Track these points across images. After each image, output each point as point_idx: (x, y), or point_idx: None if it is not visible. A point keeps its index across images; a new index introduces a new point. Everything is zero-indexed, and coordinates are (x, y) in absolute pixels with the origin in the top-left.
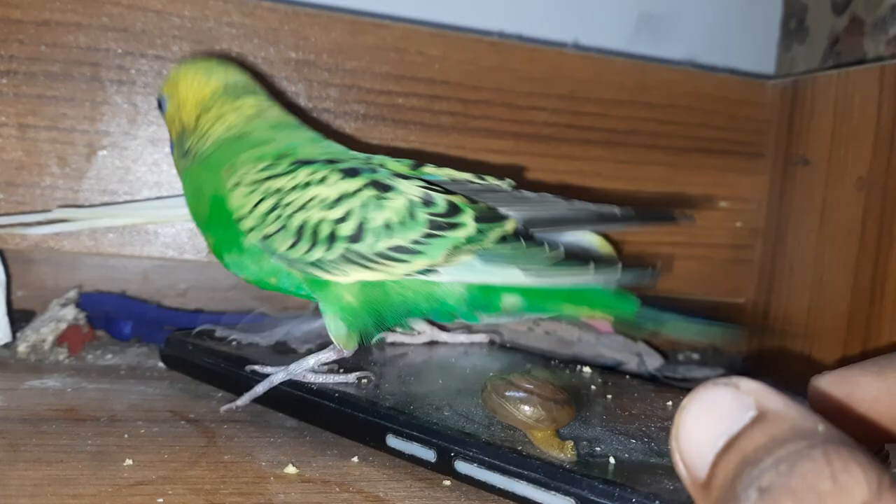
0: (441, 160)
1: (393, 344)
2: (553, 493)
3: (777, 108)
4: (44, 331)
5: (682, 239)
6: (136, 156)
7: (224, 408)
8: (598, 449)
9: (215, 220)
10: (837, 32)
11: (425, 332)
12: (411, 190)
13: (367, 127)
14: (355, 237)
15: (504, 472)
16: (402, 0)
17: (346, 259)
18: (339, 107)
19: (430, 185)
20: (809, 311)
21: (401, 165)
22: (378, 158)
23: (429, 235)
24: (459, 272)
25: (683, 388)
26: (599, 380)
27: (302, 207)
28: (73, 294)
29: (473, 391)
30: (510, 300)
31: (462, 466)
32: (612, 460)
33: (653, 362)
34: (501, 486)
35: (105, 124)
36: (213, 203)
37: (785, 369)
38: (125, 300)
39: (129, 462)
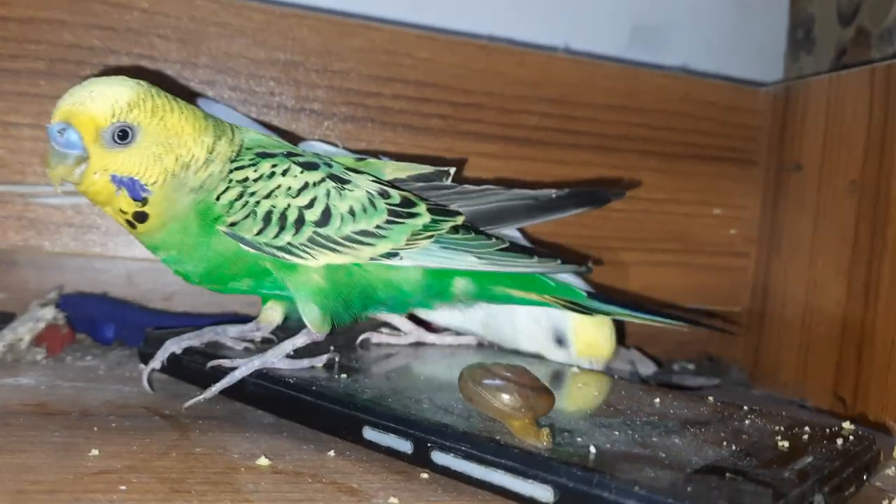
0: (431, 163)
1: (378, 344)
2: (531, 481)
3: (769, 114)
4: (21, 330)
5: (677, 247)
6: None
7: (188, 403)
8: (579, 439)
9: (197, 237)
10: (844, 43)
11: (411, 332)
12: (366, 184)
13: (356, 129)
14: (322, 222)
15: (481, 461)
16: (391, 2)
17: (314, 242)
18: (327, 108)
19: (381, 182)
20: (804, 318)
21: (347, 160)
22: (325, 156)
23: (390, 222)
24: (419, 256)
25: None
26: (587, 378)
27: (268, 196)
28: (53, 294)
29: (453, 385)
30: (462, 285)
31: (439, 457)
32: (592, 449)
33: (645, 370)
34: (479, 477)
35: None
36: (199, 219)
37: (780, 377)
38: (108, 301)
39: (94, 452)
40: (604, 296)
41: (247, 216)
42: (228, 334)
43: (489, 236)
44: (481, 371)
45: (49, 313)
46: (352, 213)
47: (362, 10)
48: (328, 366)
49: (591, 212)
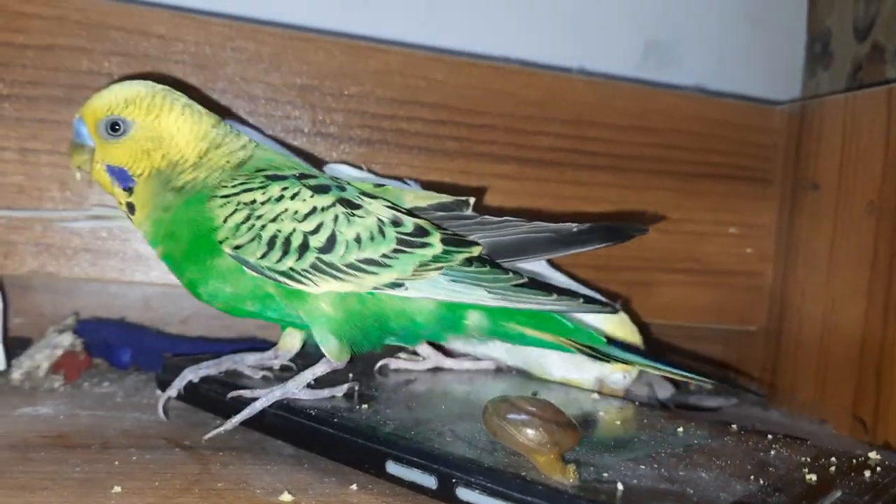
0: (446, 186)
1: (397, 370)
2: None
3: (784, 133)
4: (38, 357)
5: (692, 266)
6: None
7: (208, 436)
8: (605, 475)
9: (194, 247)
10: (860, 59)
11: (430, 357)
12: (380, 210)
13: (372, 151)
14: (326, 248)
15: (507, 498)
16: (406, 25)
17: (317, 269)
18: (343, 131)
19: (397, 208)
20: (822, 337)
21: (366, 185)
22: (343, 179)
23: (397, 251)
24: (426, 287)
25: (693, 414)
26: (608, 405)
27: (274, 219)
28: (70, 320)
29: (476, 416)
30: (475, 320)
31: (464, 493)
32: (619, 486)
33: (663, 392)
34: None
35: None
36: (192, 228)
37: (798, 397)
38: (124, 327)
39: (117, 489)
40: (624, 344)
41: (252, 239)
42: (246, 363)
43: (506, 270)
44: (506, 405)
45: (67, 339)
46: (358, 240)
47: (377, 34)
48: (348, 395)
49: None
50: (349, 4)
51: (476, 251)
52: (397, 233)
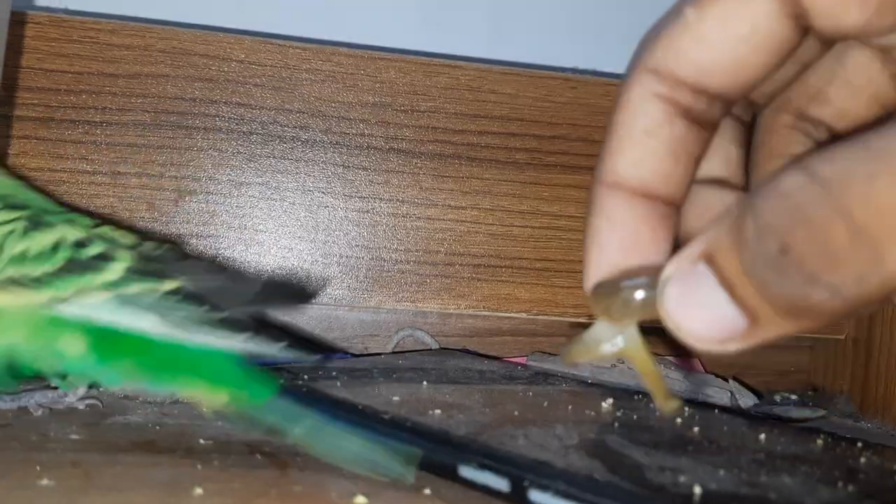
0: (517, 196)
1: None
2: None
3: None
4: None
5: None
6: (220, 199)
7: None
8: (682, 478)
9: None
10: None
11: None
12: (68, 232)
13: (443, 165)
14: None
15: (580, 500)
16: (475, 41)
17: None
18: (414, 147)
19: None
20: None
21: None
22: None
23: (63, 270)
24: (86, 309)
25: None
26: (687, 411)
27: None
28: None
29: (549, 421)
30: (124, 358)
31: (536, 495)
32: (697, 489)
33: (746, 401)
34: None
35: (191, 170)
36: None
37: (892, 407)
38: None
39: (199, 491)
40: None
41: None
42: (35, 401)
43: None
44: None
45: None
46: (24, 255)
47: (447, 51)
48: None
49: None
50: (420, 24)
51: (170, 286)
52: (74, 253)
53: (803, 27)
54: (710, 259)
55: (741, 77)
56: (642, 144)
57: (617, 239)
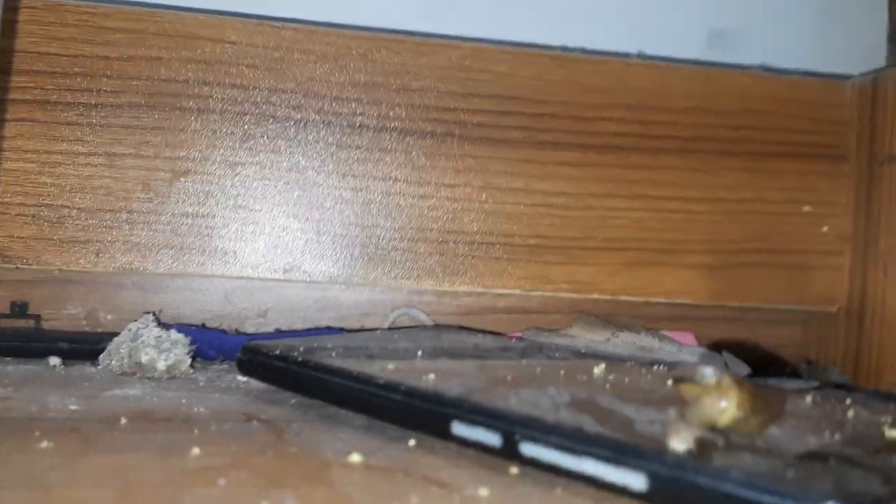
0: (510, 174)
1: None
2: (622, 469)
3: (857, 107)
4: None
5: (765, 246)
6: (214, 179)
7: None
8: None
9: None
10: None
11: None
12: None
13: (436, 144)
14: None
15: (570, 451)
16: (466, 20)
17: None
18: (407, 125)
19: None
20: None
21: None
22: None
23: None
24: None
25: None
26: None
27: None
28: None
29: (542, 384)
30: None
31: (528, 448)
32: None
33: (739, 371)
34: (569, 467)
35: (185, 150)
36: None
37: (885, 378)
38: (207, 333)
39: (196, 451)
40: None
41: None
42: None
43: None
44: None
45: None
46: None
47: (438, 30)
48: None
49: (672, 214)
50: (410, 3)
51: None
52: None
53: None
54: None
55: None
56: None
57: None
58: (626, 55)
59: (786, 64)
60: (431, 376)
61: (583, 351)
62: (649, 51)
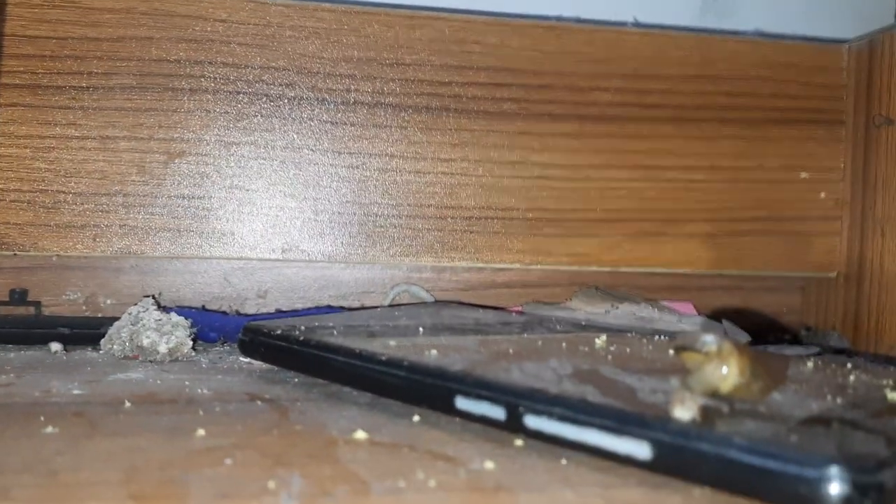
0: (506, 147)
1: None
2: (626, 438)
3: (853, 71)
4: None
5: (763, 214)
6: (209, 160)
7: None
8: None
9: None
10: None
11: None
12: None
13: (431, 118)
14: None
15: (574, 421)
16: None
17: None
18: (402, 100)
19: None
20: None
21: None
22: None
23: None
24: None
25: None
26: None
27: None
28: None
29: (544, 356)
30: None
31: (532, 421)
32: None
33: (739, 339)
34: (573, 438)
35: (179, 131)
36: None
37: (884, 340)
38: (208, 315)
39: (201, 432)
40: None
41: None
42: None
43: None
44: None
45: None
46: None
47: (430, 3)
48: None
49: (671, 184)
50: None
51: None
52: None
53: None
54: None
55: None
56: None
57: None
58: (621, 24)
59: (781, 29)
60: (433, 352)
61: (583, 323)
62: (644, 19)
